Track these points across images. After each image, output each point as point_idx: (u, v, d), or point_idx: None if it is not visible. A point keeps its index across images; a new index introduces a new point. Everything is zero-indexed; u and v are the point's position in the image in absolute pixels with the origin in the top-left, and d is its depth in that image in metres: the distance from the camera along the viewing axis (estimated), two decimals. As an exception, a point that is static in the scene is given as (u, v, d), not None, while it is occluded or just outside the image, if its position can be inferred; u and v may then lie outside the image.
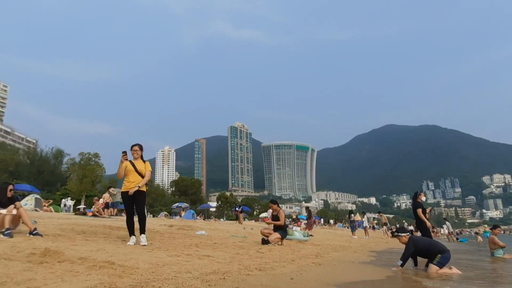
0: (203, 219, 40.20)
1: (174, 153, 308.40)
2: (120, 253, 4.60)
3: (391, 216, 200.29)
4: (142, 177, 6.15)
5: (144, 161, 6.36)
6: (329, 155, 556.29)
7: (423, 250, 5.59)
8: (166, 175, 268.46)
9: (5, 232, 5.40)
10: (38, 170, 57.58)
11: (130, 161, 6.22)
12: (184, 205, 48.73)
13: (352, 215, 22.92)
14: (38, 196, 23.39)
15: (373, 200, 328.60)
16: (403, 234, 5.84)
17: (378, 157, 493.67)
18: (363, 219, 22.75)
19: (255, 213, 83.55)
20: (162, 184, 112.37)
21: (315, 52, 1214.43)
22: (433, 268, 5.44)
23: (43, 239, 5.48)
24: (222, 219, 55.72)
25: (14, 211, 5.84)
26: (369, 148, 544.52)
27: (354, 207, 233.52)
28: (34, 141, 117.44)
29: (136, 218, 6.20)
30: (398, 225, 48.77)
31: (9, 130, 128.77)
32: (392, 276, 5.12)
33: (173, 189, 78.25)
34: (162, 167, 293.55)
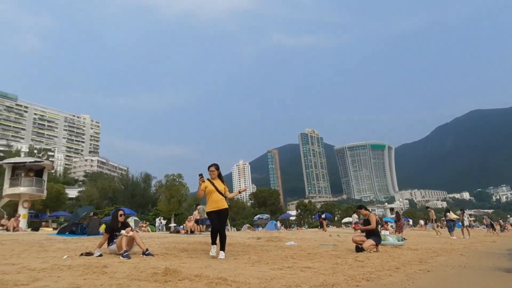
0: (285, 229, 40.29)
1: (249, 166, 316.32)
2: (226, 268, 4.83)
3: (490, 211, 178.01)
4: (223, 195, 6.47)
5: (222, 181, 6.65)
6: (409, 151, 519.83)
7: None
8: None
9: (124, 254, 6.05)
10: (131, 194, 63.55)
11: (210, 181, 6.51)
12: (265, 216, 49.57)
13: (448, 213, 20.91)
14: (136, 218, 25.84)
15: (466, 195, 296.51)
16: None
17: (465, 148, 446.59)
18: (464, 218, 20.54)
19: (336, 218, 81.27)
20: (241, 197, 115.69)
21: (379, 46, 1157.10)
22: None
23: (155, 259, 6.01)
24: (303, 227, 55.28)
25: (130, 233, 6.53)
26: (453, 139, 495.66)
27: (445, 204, 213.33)
28: (126, 168, 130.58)
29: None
30: (501, 221, 43.13)
31: (104, 161, 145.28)
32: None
33: (252, 201, 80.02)
34: (239, 181, 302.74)
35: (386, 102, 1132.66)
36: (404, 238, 13.59)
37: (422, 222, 58.12)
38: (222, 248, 6.31)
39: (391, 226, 28.89)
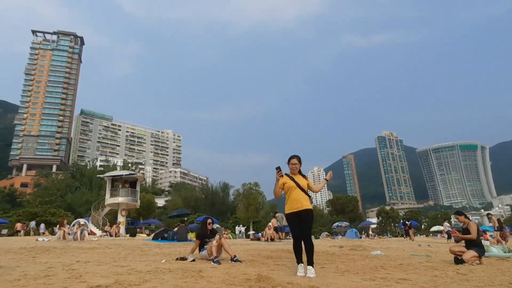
0: (367, 237, 38.45)
1: (324, 173, 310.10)
2: (315, 277, 4.78)
3: None
4: (306, 194, 5.16)
5: (304, 176, 5.33)
6: (508, 150, 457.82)
7: None
8: (319, 195, 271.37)
9: (214, 260, 6.37)
10: (212, 203, 66.81)
11: (289, 176, 5.24)
12: (344, 224, 47.92)
13: None
14: (218, 225, 27.05)
15: None
16: None
17: None
18: None
19: (422, 227, 75.12)
20: (317, 204, 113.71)
21: (464, 35, 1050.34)
22: None
23: (244, 265, 6.21)
24: (386, 236, 52.10)
25: (215, 242, 6.85)
26: None
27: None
28: (205, 178, 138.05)
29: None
30: None
31: (186, 171, 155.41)
32: None
33: (330, 208, 78.16)
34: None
35: (473, 98, 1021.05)
36: (512, 250, 11.97)
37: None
38: (310, 262, 4.93)
39: (491, 236, 25.72)
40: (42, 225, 33.14)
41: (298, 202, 5.05)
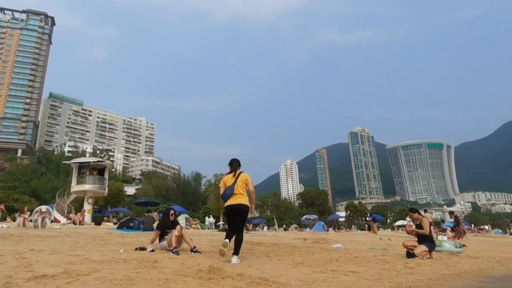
0: (334, 230, 39.47)
1: (296, 166, 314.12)
2: (268, 269, 4.91)
3: None
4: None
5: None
6: (472, 150, 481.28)
7: None
8: (291, 188, 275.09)
9: (173, 250, 6.38)
10: (183, 192, 66.22)
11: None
12: (313, 217, 48.93)
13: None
14: (187, 216, 26.96)
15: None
16: None
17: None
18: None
19: (388, 221, 77.99)
20: (288, 197, 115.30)
21: (437, 38, 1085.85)
22: None
23: (202, 256, 6.26)
24: (352, 229, 53.71)
25: (176, 232, 6.85)
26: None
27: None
28: (178, 167, 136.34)
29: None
30: None
31: (158, 160, 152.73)
32: None
33: (300, 201, 79.39)
34: (286, 180, 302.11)
35: (444, 99, 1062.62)
36: (463, 245, 12.68)
37: (487, 227, 53.72)
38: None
39: (449, 231, 27.11)
40: None
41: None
